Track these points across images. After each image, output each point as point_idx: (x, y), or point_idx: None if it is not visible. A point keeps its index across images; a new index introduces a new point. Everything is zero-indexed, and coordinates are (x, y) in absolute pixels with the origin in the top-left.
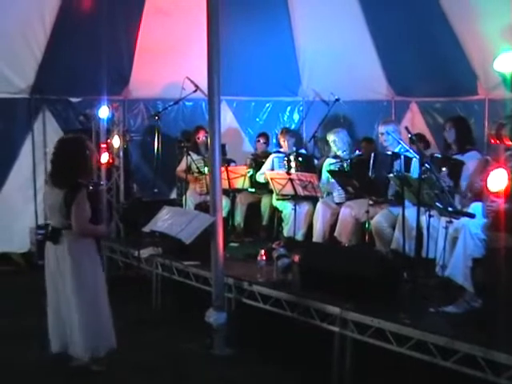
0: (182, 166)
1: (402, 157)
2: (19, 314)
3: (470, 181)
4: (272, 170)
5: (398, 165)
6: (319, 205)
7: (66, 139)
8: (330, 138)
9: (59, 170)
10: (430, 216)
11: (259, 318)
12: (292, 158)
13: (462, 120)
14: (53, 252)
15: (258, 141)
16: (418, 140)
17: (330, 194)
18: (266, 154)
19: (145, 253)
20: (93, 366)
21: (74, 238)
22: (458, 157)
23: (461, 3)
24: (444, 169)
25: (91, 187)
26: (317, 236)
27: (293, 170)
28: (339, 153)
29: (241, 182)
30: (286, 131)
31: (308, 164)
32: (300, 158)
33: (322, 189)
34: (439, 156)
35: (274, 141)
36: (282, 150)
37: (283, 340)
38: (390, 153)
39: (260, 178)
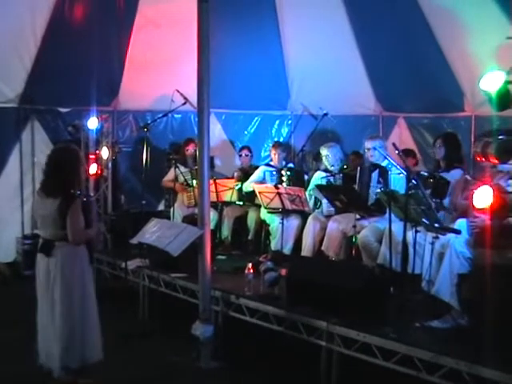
0: (169, 176)
1: (378, 168)
2: (4, 325)
3: (451, 199)
4: (263, 182)
5: (375, 175)
6: (310, 220)
7: (60, 149)
8: (324, 152)
9: (53, 180)
10: (416, 231)
11: (246, 331)
12: (284, 172)
13: (452, 137)
14: (44, 264)
15: (241, 155)
16: (406, 155)
17: (318, 202)
18: (253, 167)
19: (132, 264)
20: (80, 380)
21: (66, 250)
22: (444, 174)
23: (448, 22)
24: (429, 190)
25: (84, 198)
26: (307, 250)
27: (284, 185)
28: (330, 167)
29: (229, 195)
30: (279, 145)
31: (299, 179)
32: (289, 173)
33: (309, 197)
34: (425, 174)
35: (263, 154)
36: (271, 163)
37: (270, 353)
38: (367, 164)
39: (247, 187)
